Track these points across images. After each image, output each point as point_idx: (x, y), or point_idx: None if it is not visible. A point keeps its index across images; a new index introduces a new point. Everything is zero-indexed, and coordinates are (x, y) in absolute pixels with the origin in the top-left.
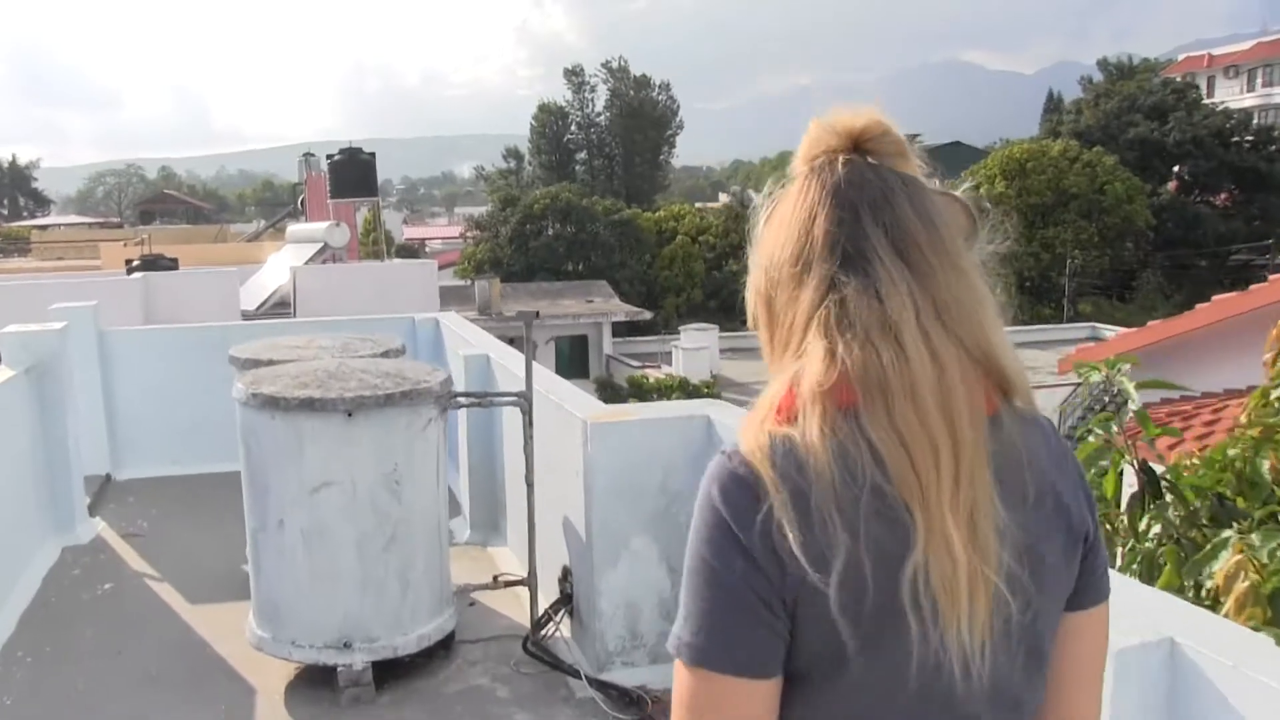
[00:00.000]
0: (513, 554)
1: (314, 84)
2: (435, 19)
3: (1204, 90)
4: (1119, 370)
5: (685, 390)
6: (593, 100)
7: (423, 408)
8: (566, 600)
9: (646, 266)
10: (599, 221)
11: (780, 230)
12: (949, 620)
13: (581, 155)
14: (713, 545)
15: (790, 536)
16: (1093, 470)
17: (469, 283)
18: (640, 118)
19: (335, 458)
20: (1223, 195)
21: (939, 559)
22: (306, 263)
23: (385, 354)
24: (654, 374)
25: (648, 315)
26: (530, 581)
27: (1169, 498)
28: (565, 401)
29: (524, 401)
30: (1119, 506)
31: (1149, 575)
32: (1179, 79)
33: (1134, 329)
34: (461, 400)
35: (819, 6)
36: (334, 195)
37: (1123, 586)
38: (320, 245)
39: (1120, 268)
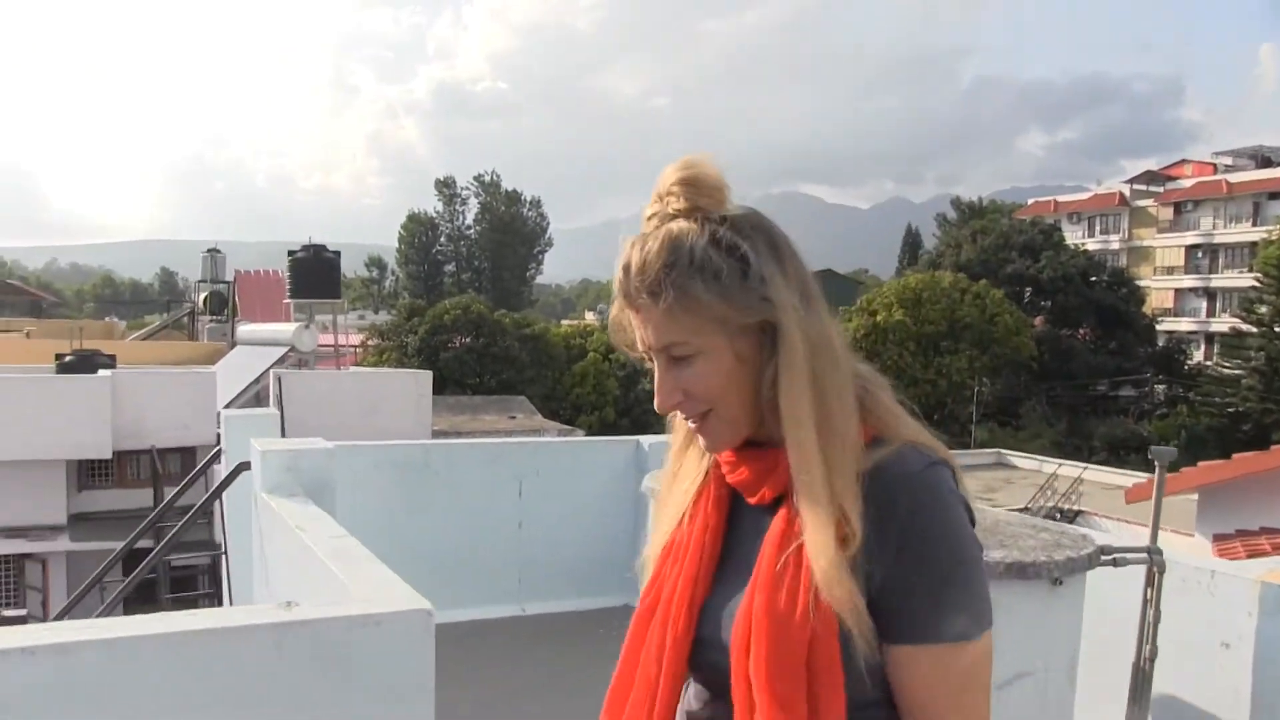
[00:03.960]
0: None
1: (150, 179)
2: (286, 124)
3: None
4: None
5: None
6: (463, 213)
7: (1078, 571)
8: None
9: (555, 383)
10: (509, 335)
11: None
12: None
13: (450, 267)
14: (974, 535)
15: None
16: None
17: None
18: (510, 233)
19: (1033, 640)
20: (1082, 330)
21: None
22: (271, 367)
23: None
24: None
25: (581, 433)
26: None
27: None
28: (1192, 558)
29: (1156, 557)
30: None
31: None
32: (1029, 221)
33: (1216, 462)
34: (1104, 559)
35: (665, 135)
36: (294, 295)
37: None
38: (286, 349)
39: (1006, 395)
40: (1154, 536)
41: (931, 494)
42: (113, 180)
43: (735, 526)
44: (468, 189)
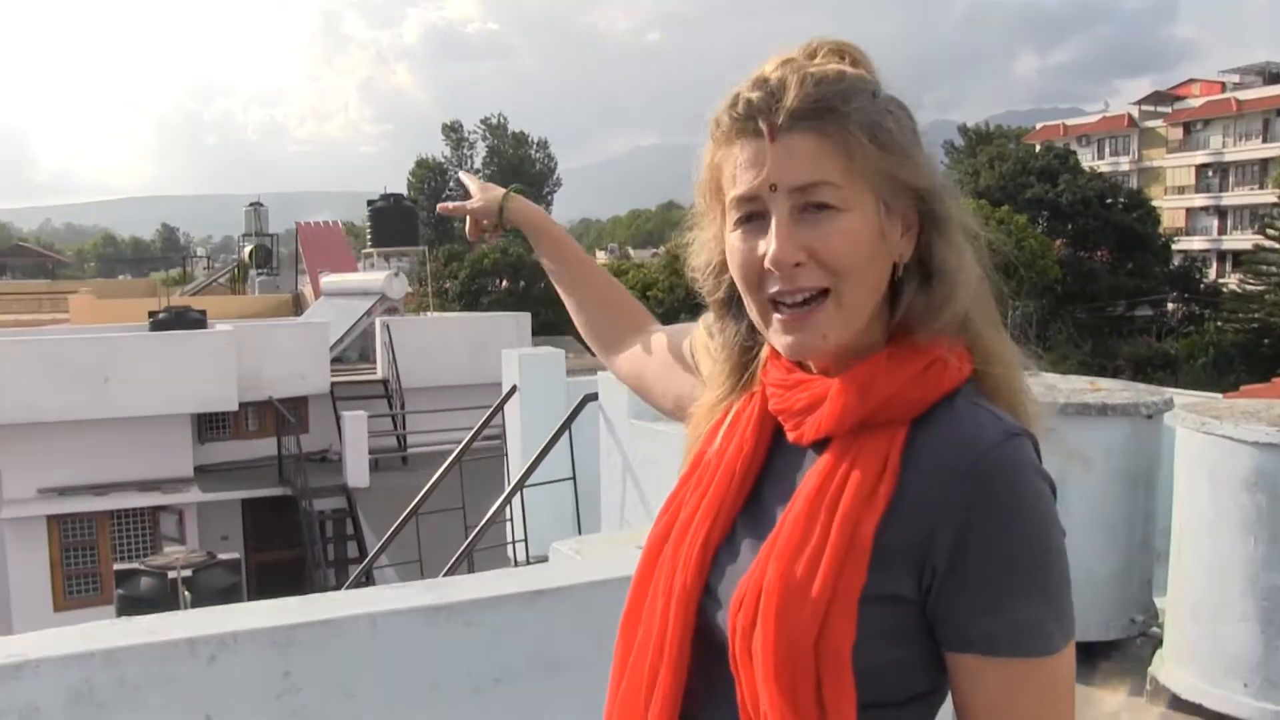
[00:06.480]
0: None
1: (140, 135)
2: (276, 74)
3: None
4: None
5: None
6: (471, 157)
7: None
8: None
9: None
10: (546, 278)
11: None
12: None
13: None
14: (1058, 523)
15: None
16: None
17: None
18: (519, 175)
19: None
20: (1100, 252)
21: None
22: (364, 316)
23: None
24: None
25: None
26: None
27: None
28: None
29: None
30: None
31: None
32: (1043, 145)
33: None
34: None
35: (659, 71)
36: (375, 244)
37: None
38: (377, 297)
39: (1032, 319)
40: None
41: (1009, 476)
42: (103, 138)
43: (770, 458)
44: (475, 133)
